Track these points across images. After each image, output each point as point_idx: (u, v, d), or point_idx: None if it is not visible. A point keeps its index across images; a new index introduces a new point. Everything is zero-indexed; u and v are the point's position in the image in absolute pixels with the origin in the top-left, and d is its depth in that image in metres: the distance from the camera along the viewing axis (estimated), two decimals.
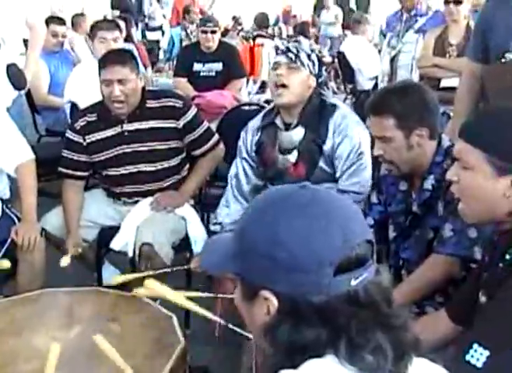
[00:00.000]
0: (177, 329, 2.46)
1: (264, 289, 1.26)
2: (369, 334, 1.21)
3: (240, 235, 1.32)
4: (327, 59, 11.17)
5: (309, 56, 3.31)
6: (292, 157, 3.40)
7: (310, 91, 3.35)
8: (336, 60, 9.72)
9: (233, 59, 6.30)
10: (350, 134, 3.29)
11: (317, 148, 3.33)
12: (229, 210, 3.52)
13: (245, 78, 6.67)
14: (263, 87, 7.48)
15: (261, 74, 7.83)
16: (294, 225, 1.23)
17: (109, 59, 3.60)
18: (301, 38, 3.52)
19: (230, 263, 1.33)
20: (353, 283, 1.22)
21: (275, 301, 1.25)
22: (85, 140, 3.66)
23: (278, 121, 3.43)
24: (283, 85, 3.28)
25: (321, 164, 3.36)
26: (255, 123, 3.57)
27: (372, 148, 3.19)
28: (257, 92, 7.51)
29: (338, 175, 3.33)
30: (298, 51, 3.28)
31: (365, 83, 8.13)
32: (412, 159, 2.60)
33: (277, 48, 3.39)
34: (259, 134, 3.51)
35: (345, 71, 8.84)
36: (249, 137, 3.55)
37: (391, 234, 2.81)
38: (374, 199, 2.91)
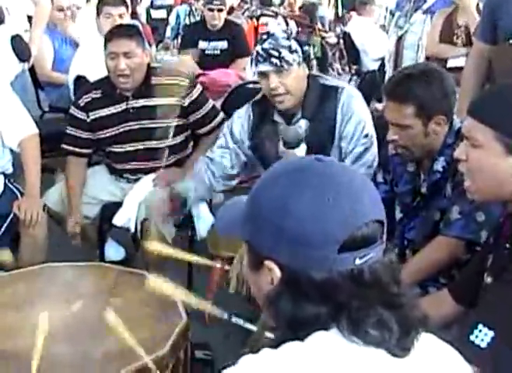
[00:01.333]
0: (179, 305, 2.45)
1: (269, 259, 1.25)
2: (372, 311, 1.20)
3: (252, 200, 1.31)
4: (332, 40, 11.09)
5: (290, 48, 3.10)
6: (300, 151, 3.30)
7: (305, 80, 3.23)
8: (341, 41, 9.67)
9: (239, 37, 6.27)
10: (356, 114, 3.21)
11: (327, 136, 3.25)
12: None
13: (250, 57, 6.63)
14: None
15: None
16: (304, 197, 1.22)
17: (115, 32, 3.60)
18: (274, 28, 3.30)
19: (240, 227, 1.32)
20: (358, 262, 1.20)
21: (278, 273, 1.25)
22: (88, 116, 3.65)
23: (277, 118, 3.31)
24: (281, 93, 3.15)
25: (334, 154, 3.25)
26: (244, 116, 3.42)
27: (377, 129, 3.17)
28: None
29: (342, 156, 3.25)
30: (279, 52, 3.07)
31: (370, 64, 8.07)
32: (425, 145, 2.58)
33: (257, 54, 3.13)
34: (253, 131, 3.39)
35: (350, 52, 8.79)
36: (237, 127, 3.42)
37: (398, 214, 2.79)
38: (380, 178, 2.90)
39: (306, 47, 3.41)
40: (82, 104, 3.66)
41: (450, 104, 2.57)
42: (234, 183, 3.58)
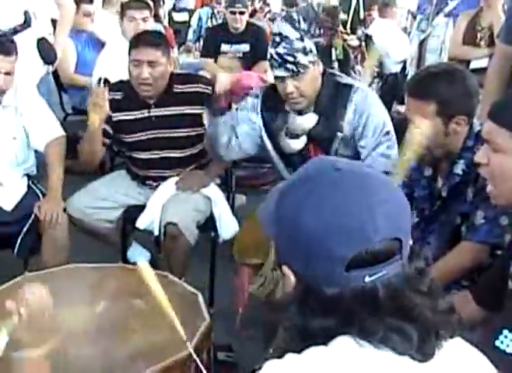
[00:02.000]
0: (202, 306, 2.47)
1: (286, 264, 1.26)
2: (382, 324, 1.19)
3: (276, 203, 1.30)
4: (354, 42, 11.06)
5: (304, 50, 3.08)
6: (300, 142, 3.30)
7: (320, 77, 3.23)
8: (363, 43, 9.64)
9: (261, 40, 6.26)
10: (374, 113, 3.21)
11: (334, 132, 3.24)
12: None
13: None
14: None
15: None
16: (314, 212, 1.21)
17: (142, 39, 3.56)
18: (287, 28, 3.24)
19: (270, 224, 1.31)
20: (367, 279, 1.19)
21: (292, 280, 1.25)
22: (112, 116, 3.62)
23: (288, 107, 3.30)
24: (295, 98, 3.17)
25: (337, 147, 3.27)
26: (256, 103, 3.41)
27: (399, 132, 3.15)
28: None
29: (363, 156, 3.23)
30: (294, 57, 3.05)
31: (392, 66, 8.06)
32: (445, 145, 2.56)
33: (271, 58, 3.12)
34: (266, 116, 3.39)
35: None
36: (249, 105, 3.41)
37: (414, 219, 2.77)
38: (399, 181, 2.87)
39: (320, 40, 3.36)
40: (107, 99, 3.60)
41: (472, 104, 2.54)
42: (245, 155, 3.60)
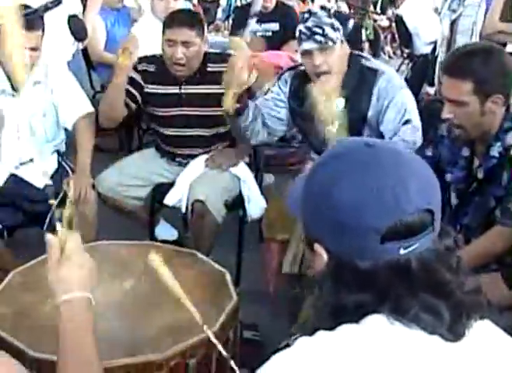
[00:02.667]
0: (230, 285, 2.47)
1: (317, 242, 1.27)
2: (416, 299, 1.20)
3: (306, 182, 1.32)
4: (384, 23, 11.00)
5: (333, 26, 3.10)
6: (334, 128, 3.24)
7: (346, 59, 3.24)
8: (393, 24, 9.57)
9: (290, 19, 6.24)
10: (395, 99, 3.19)
11: (361, 116, 3.24)
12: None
13: None
14: None
15: None
16: (346, 186, 1.22)
17: (177, 19, 3.55)
18: (314, 7, 3.25)
19: (298, 207, 1.33)
20: (402, 252, 1.19)
21: (325, 257, 1.26)
22: (144, 86, 3.64)
23: (316, 93, 3.19)
24: (324, 72, 3.16)
25: (366, 133, 3.27)
26: (285, 81, 3.45)
27: (429, 113, 3.13)
28: None
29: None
30: (323, 29, 3.08)
31: (423, 47, 7.97)
32: (481, 125, 2.53)
33: (300, 33, 3.14)
34: (293, 102, 3.40)
35: (402, 36, 8.69)
36: (277, 89, 3.45)
37: (453, 200, 2.74)
38: (429, 152, 2.81)
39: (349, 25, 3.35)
40: (139, 68, 3.63)
41: (509, 84, 2.50)
42: (275, 138, 3.60)
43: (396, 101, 3.18)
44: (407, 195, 1.20)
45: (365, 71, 3.25)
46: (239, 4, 8.91)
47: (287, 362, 1.18)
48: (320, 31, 3.07)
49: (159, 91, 3.65)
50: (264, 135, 3.46)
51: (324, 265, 1.26)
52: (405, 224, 1.19)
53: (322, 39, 3.08)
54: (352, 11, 9.55)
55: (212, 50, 3.84)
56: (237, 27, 6.42)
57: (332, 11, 3.23)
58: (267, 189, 3.95)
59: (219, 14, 9.29)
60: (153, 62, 3.67)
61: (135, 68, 3.60)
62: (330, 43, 3.09)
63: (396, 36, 9.44)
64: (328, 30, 3.08)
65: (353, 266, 1.21)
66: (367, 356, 1.15)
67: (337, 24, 3.12)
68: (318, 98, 3.19)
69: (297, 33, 3.17)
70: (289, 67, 3.68)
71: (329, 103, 3.20)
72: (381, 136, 3.24)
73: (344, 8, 9.90)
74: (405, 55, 8.90)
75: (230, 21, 8.01)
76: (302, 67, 3.38)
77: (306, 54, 3.16)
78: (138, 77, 3.62)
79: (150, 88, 3.65)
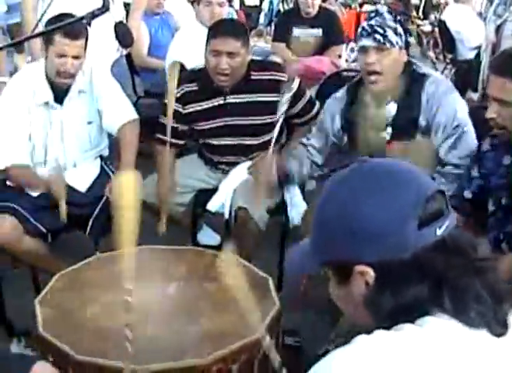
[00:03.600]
0: (272, 290, 2.47)
1: (357, 264, 1.27)
2: (468, 280, 1.23)
3: (319, 224, 1.37)
4: (427, 28, 10.92)
5: (395, 31, 3.09)
6: (387, 134, 3.26)
7: (402, 66, 3.20)
8: (436, 29, 9.50)
9: (333, 25, 6.21)
10: (444, 104, 3.14)
11: (413, 122, 3.19)
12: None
13: (344, 45, 6.58)
14: None
15: None
16: (365, 195, 1.27)
17: (222, 29, 3.53)
18: (383, 9, 3.27)
19: (313, 258, 1.37)
20: (439, 232, 1.24)
21: (371, 272, 1.26)
22: (184, 109, 3.64)
23: (369, 100, 3.29)
24: (376, 72, 3.14)
25: (419, 138, 3.21)
26: (340, 97, 3.43)
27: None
28: (354, 60, 7.42)
29: (436, 147, 3.19)
30: (384, 30, 3.07)
31: (466, 53, 7.90)
32: None
33: (362, 29, 3.14)
34: (345, 110, 3.38)
35: (446, 41, 8.62)
36: (331, 108, 3.45)
37: (491, 208, 2.72)
38: (475, 172, 2.81)
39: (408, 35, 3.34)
40: (177, 95, 3.62)
41: None
42: (316, 173, 3.60)
43: (445, 107, 3.14)
44: (419, 180, 1.30)
45: (415, 75, 3.22)
46: (281, 9, 8.91)
47: (347, 358, 1.18)
48: (381, 31, 3.07)
49: (204, 106, 3.64)
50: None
51: (373, 281, 1.27)
52: (432, 205, 1.26)
53: (381, 38, 3.07)
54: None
55: (254, 58, 3.84)
56: (279, 33, 6.40)
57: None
58: (309, 195, 3.94)
59: (261, 19, 9.30)
60: (194, 79, 3.66)
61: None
62: (388, 45, 3.08)
63: (439, 41, 9.35)
64: (389, 32, 3.07)
65: (400, 262, 1.23)
66: (427, 354, 1.17)
67: (400, 30, 3.11)
68: (369, 103, 3.19)
69: (359, 30, 3.18)
70: (333, 72, 3.68)
71: (380, 109, 3.20)
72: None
73: None
74: (448, 60, 8.81)
75: (272, 26, 8.01)
76: (344, 73, 3.38)
77: (362, 50, 3.15)
78: (175, 105, 3.61)
79: (192, 108, 3.64)
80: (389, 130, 3.25)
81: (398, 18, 3.18)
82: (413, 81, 3.21)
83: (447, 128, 3.13)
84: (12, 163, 3.44)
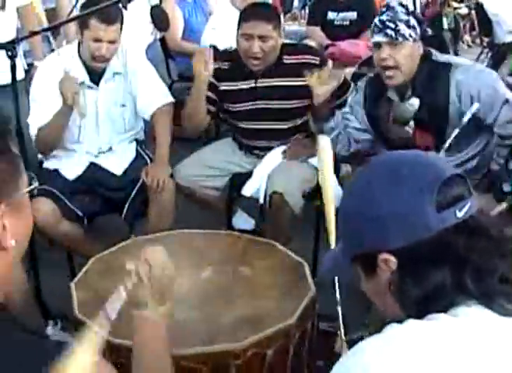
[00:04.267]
0: (308, 275, 2.47)
1: (380, 253, 1.28)
2: (491, 260, 1.24)
3: (343, 220, 1.41)
4: (463, 11, 10.77)
5: (407, 23, 3.05)
6: (410, 128, 3.25)
7: (418, 58, 3.15)
8: (473, 11, 9.36)
9: (368, 8, 6.13)
10: (482, 85, 3.09)
11: (440, 114, 3.14)
12: None
13: None
14: None
15: None
16: (380, 182, 1.30)
17: (253, 13, 3.51)
18: (394, 2, 3.23)
19: (344, 255, 1.40)
20: (459, 214, 1.25)
21: (393, 259, 1.27)
22: (218, 85, 3.62)
23: (391, 94, 3.25)
24: (390, 67, 3.11)
25: (449, 130, 3.13)
26: (361, 86, 3.43)
27: None
28: None
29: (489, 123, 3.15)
30: (396, 25, 3.03)
31: (504, 36, 7.77)
32: None
33: (374, 25, 3.11)
34: (367, 103, 3.36)
35: (482, 24, 8.49)
36: (354, 99, 3.44)
37: None
38: None
39: (424, 26, 3.30)
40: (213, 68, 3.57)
41: None
42: (351, 149, 3.56)
43: (485, 88, 3.09)
44: (436, 166, 1.31)
45: (437, 65, 3.18)
46: None
47: (379, 346, 1.18)
48: (392, 26, 3.04)
49: (234, 87, 3.63)
50: (357, 146, 3.50)
51: (396, 267, 1.28)
52: (450, 189, 1.27)
53: (393, 33, 3.04)
54: (429, 0, 9.38)
55: (287, 41, 3.81)
56: (314, 16, 6.35)
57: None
58: (344, 179, 3.91)
59: (296, 3, 9.23)
60: (227, 58, 3.65)
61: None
62: (400, 39, 3.05)
63: (475, 24, 9.23)
64: (402, 26, 3.04)
65: (422, 246, 1.24)
66: (466, 345, 1.17)
67: (413, 22, 3.08)
68: (392, 99, 3.16)
69: (372, 26, 3.15)
70: (369, 56, 3.63)
71: (403, 104, 3.17)
72: (467, 131, 3.16)
73: None
74: (485, 44, 8.69)
75: (307, 10, 7.95)
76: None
77: (376, 46, 3.13)
78: (211, 78, 3.58)
79: (225, 86, 3.64)
80: (412, 124, 3.24)
81: (411, 10, 3.16)
82: (435, 71, 3.16)
83: (495, 105, 3.09)
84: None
